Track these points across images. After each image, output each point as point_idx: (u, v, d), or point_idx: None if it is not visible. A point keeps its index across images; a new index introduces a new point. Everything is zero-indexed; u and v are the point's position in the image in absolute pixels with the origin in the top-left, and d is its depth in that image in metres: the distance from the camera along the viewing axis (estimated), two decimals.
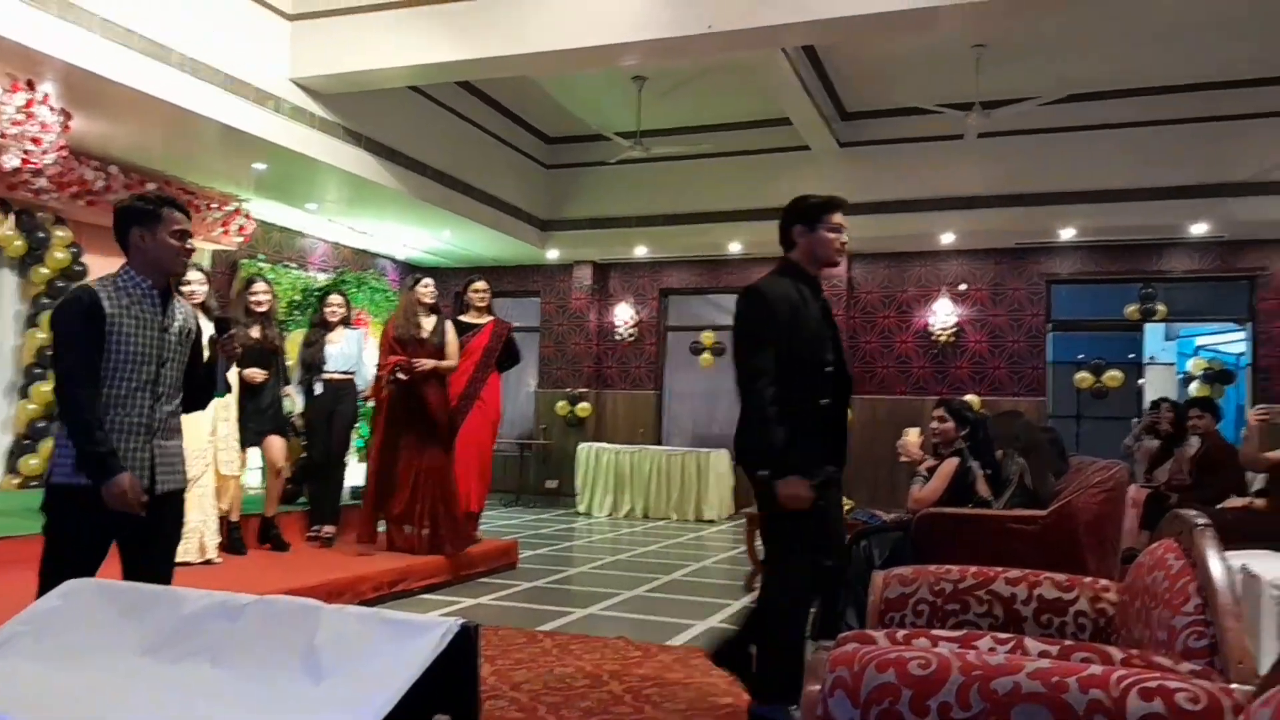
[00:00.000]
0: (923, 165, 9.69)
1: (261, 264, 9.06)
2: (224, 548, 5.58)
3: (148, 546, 2.74)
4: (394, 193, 8.37)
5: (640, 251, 11.31)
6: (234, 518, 5.74)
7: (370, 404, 6.58)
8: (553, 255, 11.51)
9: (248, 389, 5.76)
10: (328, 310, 6.43)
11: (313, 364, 6.28)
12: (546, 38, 6.33)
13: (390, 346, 5.92)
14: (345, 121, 7.47)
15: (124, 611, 1.87)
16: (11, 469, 7.14)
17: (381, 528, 6.11)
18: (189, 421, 5.20)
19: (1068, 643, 1.90)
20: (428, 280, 6.16)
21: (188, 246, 2.83)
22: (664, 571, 6.78)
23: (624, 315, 11.82)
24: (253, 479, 6.85)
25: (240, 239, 8.47)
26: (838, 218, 3.24)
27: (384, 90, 7.50)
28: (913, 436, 5.09)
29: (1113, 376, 9.99)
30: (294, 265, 9.65)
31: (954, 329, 10.49)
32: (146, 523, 2.68)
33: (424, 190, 8.73)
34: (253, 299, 5.92)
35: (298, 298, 8.79)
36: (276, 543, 6.01)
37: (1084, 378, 10.11)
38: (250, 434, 5.81)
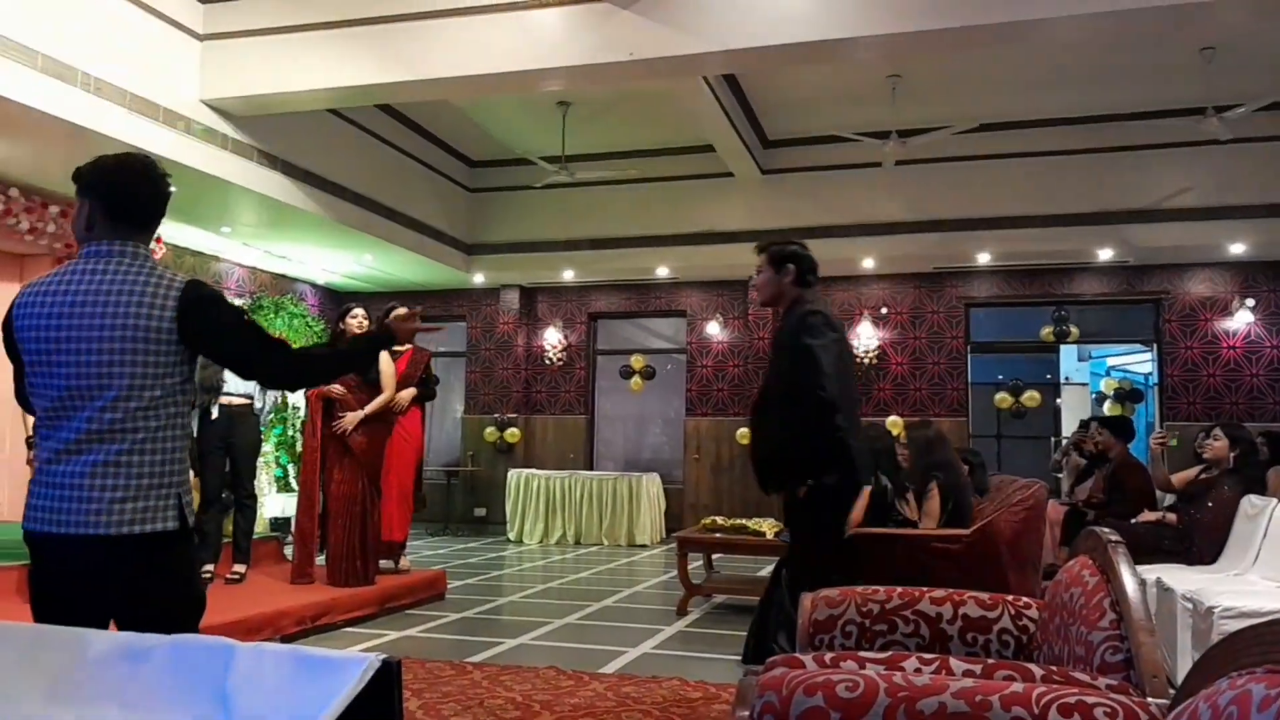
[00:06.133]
0: (843, 192, 9.91)
1: None
2: None
3: None
4: (312, 216, 8.21)
5: (568, 275, 11.29)
6: None
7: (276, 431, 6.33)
8: (478, 279, 11.41)
9: None
10: None
11: (209, 385, 5.74)
12: (467, 61, 6.30)
13: None
14: (260, 144, 7.31)
15: (23, 655, 1.77)
16: None
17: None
18: None
19: (991, 661, 1.93)
20: (357, 309, 6.05)
21: None
22: (596, 598, 6.71)
23: (552, 339, 11.77)
24: None
25: None
26: None
27: (301, 112, 7.37)
28: None
29: (1031, 397, 10.29)
30: None
31: (876, 352, 10.69)
32: None
33: (343, 214, 8.58)
34: None
35: None
36: None
37: (1003, 398, 10.39)
38: None
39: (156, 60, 6.38)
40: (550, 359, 11.75)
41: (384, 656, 1.71)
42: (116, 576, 2.12)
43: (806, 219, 9.95)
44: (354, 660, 1.70)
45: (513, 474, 10.82)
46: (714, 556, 7.14)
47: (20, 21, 5.42)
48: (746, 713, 1.68)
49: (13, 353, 2.21)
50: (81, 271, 2.15)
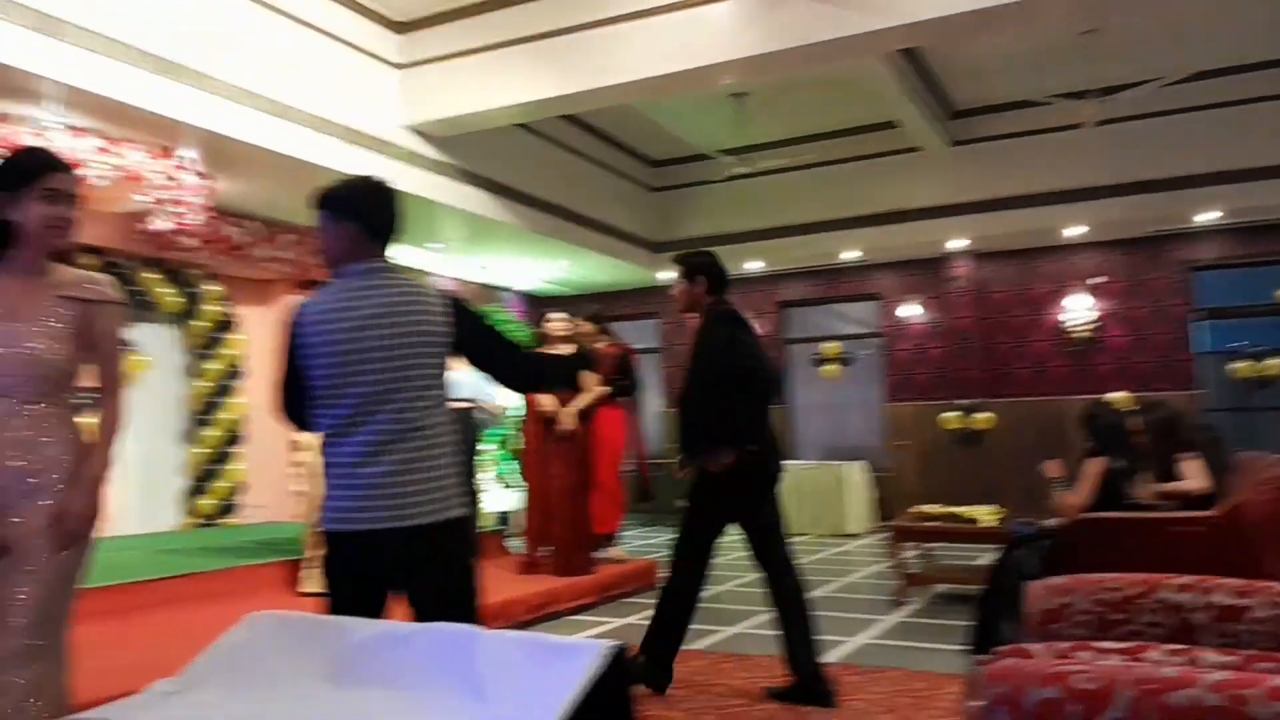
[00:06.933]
0: (1040, 158, 9.35)
1: None
2: None
3: None
4: (510, 227, 8.61)
5: (754, 266, 11.27)
6: None
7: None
8: (666, 276, 11.59)
9: None
10: None
11: None
12: (645, 64, 6.41)
13: None
14: (459, 162, 7.74)
15: (303, 640, 1.98)
16: (188, 510, 7.76)
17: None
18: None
19: (1246, 653, 1.81)
20: (557, 315, 6.35)
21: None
22: (809, 588, 6.67)
23: None
24: None
25: None
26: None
27: (492, 129, 7.73)
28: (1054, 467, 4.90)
29: (1274, 364, 9.35)
30: None
31: (1093, 324, 10.03)
32: None
33: (538, 223, 8.95)
34: None
35: None
36: None
37: (1241, 367, 9.50)
38: None
39: (362, 93, 6.90)
40: None
41: (616, 643, 1.80)
42: (423, 564, 2.30)
43: (1002, 189, 9.48)
44: (588, 646, 1.80)
45: None
46: (929, 545, 6.96)
47: (244, 69, 6.01)
48: (979, 704, 1.65)
49: (292, 368, 2.38)
50: (365, 288, 2.36)
